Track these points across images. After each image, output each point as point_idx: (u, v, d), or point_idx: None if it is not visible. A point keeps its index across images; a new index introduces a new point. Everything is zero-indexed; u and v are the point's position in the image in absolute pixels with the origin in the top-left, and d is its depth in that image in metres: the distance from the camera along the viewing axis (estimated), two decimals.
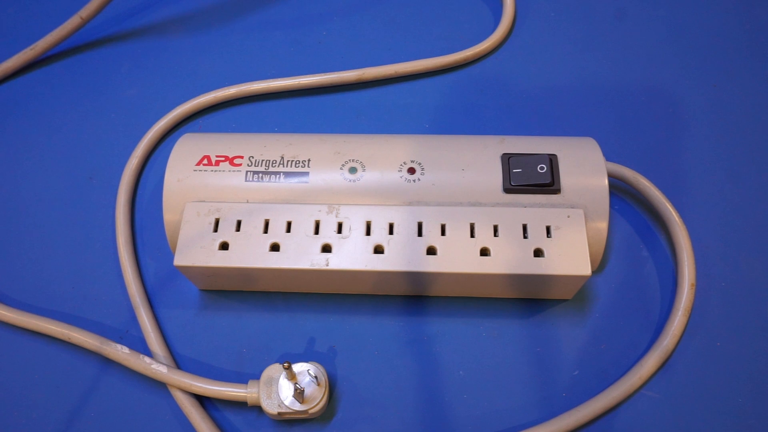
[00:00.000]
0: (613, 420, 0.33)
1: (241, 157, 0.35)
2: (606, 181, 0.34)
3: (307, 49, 0.47)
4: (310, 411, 0.32)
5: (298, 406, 0.32)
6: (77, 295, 0.38)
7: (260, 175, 0.35)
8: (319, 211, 0.34)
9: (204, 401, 0.34)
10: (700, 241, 0.38)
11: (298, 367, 0.33)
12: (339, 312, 0.36)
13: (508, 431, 0.33)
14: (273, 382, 0.32)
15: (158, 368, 0.34)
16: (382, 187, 0.34)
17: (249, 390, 0.33)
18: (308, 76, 0.44)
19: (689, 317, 0.35)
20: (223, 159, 0.35)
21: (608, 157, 0.39)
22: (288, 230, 0.33)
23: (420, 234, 0.33)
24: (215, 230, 0.33)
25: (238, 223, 0.34)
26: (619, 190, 0.40)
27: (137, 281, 0.37)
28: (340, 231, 0.33)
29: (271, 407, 0.32)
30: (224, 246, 0.33)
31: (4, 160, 0.43)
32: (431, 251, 0.33)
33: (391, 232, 0.33)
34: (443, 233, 0.33)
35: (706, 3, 0.47)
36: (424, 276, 0.33)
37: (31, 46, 0.45)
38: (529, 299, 0.36)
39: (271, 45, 0.47)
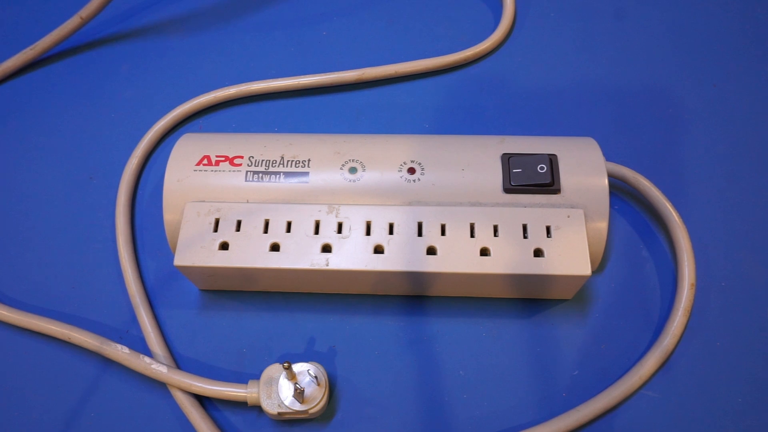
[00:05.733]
0: (613, 420, 0.33)
1: (241, 157, 0.35)
2: (606, 181, 0.34)
3: (307, 49, 0.47)
4: (310, 411, 0.32)
5: (298, 406, 0.32)
6: (77, 295, 0.38)
7: (260, 175, 0.35)
8: (319, 211, 0.34)
9: (204, 401, 0.34)
10: (700, 241, 0.38)
11: (298, 367, 0.33)
12: (339, 312, 0.36)
13: (508, 431, 0.33)
14: (273, 382, 0.32)
15: (158, 368, 0.34)
16: (382, 187, 0.34)
17: (249, 390, 0.33)
18: (308, 76, 0.44)
19: (689, 317, 0.35)
20: (223, 159, 0.35)
21: (608, 157, 0.39)
22: (288, 230, 0.33)
23: (420, 234, 0.33)
24: (215, 230, 0.33)
25: (238, 223, 0.34)
26: (619, 190, 0.40)
27: (137, 281, 0.37)
28: (340, 231, 0.33)
29: (271, 407, 0.32)
30: (224, 246, 0.33)
31: (4, 160, 0.43)
32: (431, 251, 0.33)
33: (391, 232, 0.33)
34: (443, 233, 0.33)
35: (706, 3, 0.47)
36: (424, 276, 0.33)
37: (31, 46, 0.45)
38: (529, 299, 0.36)
39: (271, 45, 0.47)
